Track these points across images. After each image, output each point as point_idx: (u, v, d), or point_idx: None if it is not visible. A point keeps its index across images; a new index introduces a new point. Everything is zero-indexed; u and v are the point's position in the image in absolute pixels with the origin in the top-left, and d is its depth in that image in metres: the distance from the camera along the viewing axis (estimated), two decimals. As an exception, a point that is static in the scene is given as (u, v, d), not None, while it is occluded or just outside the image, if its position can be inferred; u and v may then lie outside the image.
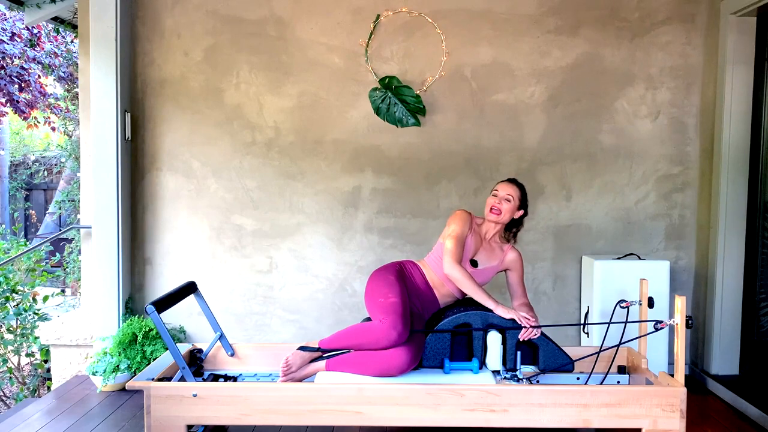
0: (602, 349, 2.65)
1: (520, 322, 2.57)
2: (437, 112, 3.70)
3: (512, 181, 2.83)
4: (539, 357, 2.63)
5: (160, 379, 2.47)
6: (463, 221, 2.75)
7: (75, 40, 6.65)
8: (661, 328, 2.46)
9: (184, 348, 2.75)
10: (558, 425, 2.34)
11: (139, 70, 3.71)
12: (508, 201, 2.75)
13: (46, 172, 8.79)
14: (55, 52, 7.22)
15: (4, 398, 4.37)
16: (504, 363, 2.64)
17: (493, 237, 2.83)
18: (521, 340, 2.58)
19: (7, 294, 4.10)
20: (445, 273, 2.67)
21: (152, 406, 2.35)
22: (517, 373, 2.60)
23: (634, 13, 3.65)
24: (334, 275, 3.79)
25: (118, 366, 3.32)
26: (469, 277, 2.62)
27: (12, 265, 4.43)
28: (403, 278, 2.72)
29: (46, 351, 4.10)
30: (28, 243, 5.27)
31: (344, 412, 2.36)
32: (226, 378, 2.79)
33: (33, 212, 8.80)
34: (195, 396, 2.35)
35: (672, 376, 2.42)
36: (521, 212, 2.81)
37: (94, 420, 3.03)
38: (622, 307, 2.66)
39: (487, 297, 2.61)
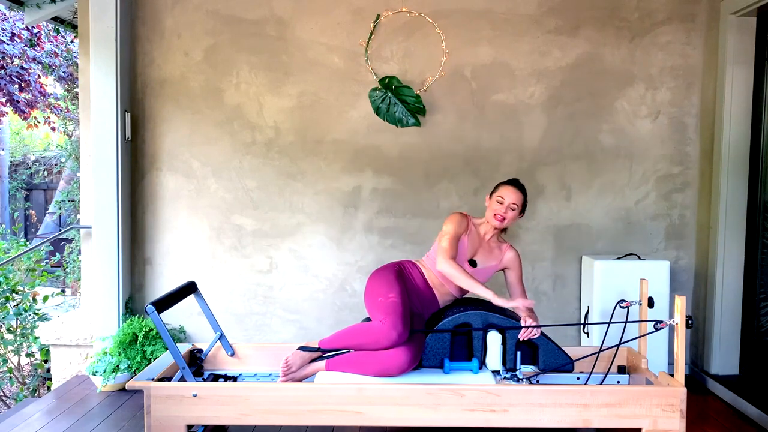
0: (602, 349, 2.65)
1: (520, 314, 2.59)
2: (437, 112, 3.70)
3: (518, 186, 2.79)
4: (539, 357, 2.63)
5: (160, 379, 2.48)
6: (457, 223, 2.76)
7: (75, 40, 6.66)
8: (661, 328, 2.46)
9: (184, 348, 2.75)
10: (558, 425, 2.34)
11: (139, 70, 3.71)
12: (513, 210, 2.74)
13: (46, 172, 8.79)
14: (55, 52, 7.22)
15: (4, 398, 4.37)
16: (504, 363, 2.64)
17: (491, 237, 2.84)
18: (521, 339, 2.58)
19: (7, 294, 4.10)
20: (438, 270, 2.67)
21: (152, 406, 2.35)
22: (517, 373, 2.60)
23: (634, 13, 3.65)
24: (334, 275, 3.79)
25: (118, 366, 3.32)
26: (462, 271, 2.61)
27: (12, 265, 4.43)
28: (402, 278, 2.73)
29: (46, 351, 4.10)
30: (28, 243, 5.27)
31: (344, 412, 2.36)
32: (226, 378, 2.79)
33: (33, 212, 8.80)
34: (195, 396, 2.35)
35: (672, 376, 2.42)
36: (521, 216, 2.82)
37: (94, 420, 3.03)
38: (622, 307, 2.66)
39: (485, 288, 2.58)
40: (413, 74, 3.67)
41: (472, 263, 2.78)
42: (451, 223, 2.75)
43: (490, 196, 2.82)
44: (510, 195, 2.76)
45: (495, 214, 2.75)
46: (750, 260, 3.53)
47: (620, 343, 2.59)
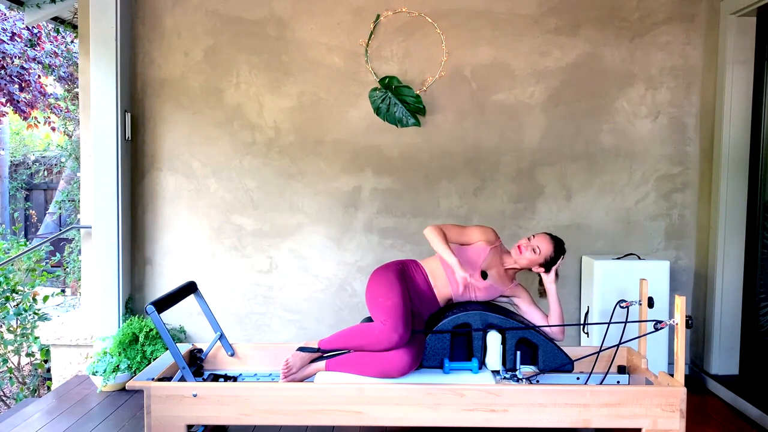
0: (602, 349, 2.65)
1: (460, 280, 2.58)
2: (437, 112, 3.70)
3: (553, 239, 2.77)
4: (539, 357, 2.63)
5: (160, 379, 2.48)
6: (482, 232, 2.78)
7: (75, 40, 6.66)
8: (661, 328, 2.46)
9: (184, 348, 2.75)
10: (558, 425, 2.34)
11: (139, 70, 3.71)
12: (534, 252, 2.72)
13: (46, 172, 8.79)
14: (55, 52, 7.22)
15: (4, 398, 4.37)
16: (504, 363, 2.64)
17: (509, 270, 2.84)
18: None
19: (7, 294, 4.10)
20: (424, 232, 2.73)
21: (152, 406, 2.35)
22: (517, 373, 2.60)
23: (634, 13, 3.65)
24: (334, 275, 3.79)
25: (118, 366, 3.32)
26: (442, 238, 2.66)
27: (12, 265, 4.43)
28: (404, 278, 2.72)
29: (46, 351, 4.10)
30: (28, 243, 5.27)
31: (344, 412, 2.36)
32: (226, 378, 2.79)
33: (33, 212, 8.81)
34: (195, 396, 2.35)
35: (672, 376, 2.42)
36: (542, 270, 2.76)
37: (94, 420, 3.03)
38: (622, 307, 2.66)
39: (451, 255, 2.61)
40: (413, 74, 3.67)
41: (484, 275, 2.77)
42: (477, 228, 2.80)
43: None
44: (540, 240, 2.74)
45: (518, 245, 2.76)
46: (750, 260, 3.53)
47: (620, 343, 2.59)
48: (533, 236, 2.77)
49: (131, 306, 3.73)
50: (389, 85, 3.64)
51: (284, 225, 3.77)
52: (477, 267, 2.74)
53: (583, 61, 3.67)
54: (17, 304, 4.12)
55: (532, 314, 2.80)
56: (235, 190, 3.76)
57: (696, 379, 3.63)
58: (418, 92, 3.65)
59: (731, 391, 3.26)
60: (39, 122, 7.85)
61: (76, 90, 6.90)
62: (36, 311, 4.15)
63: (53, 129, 7.99)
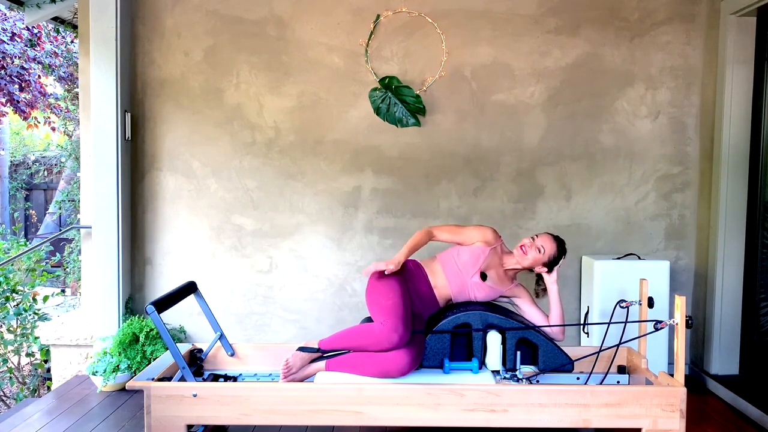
0: (602, 349, 2.65)
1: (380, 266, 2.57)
2: (437, 112, 3.70)
3: (556, 239, 2.77)
4: (539, 357, 2.63)
5: (160, 379, 2.48)
6: (481, 233, 2.76)
7: (75, 40, 6.66)
8: (661, 328, 2.46)
9: (184, 348, 2.75)
10: (558, 425, 2.34)
11: (139, 70, 3.71)
12: (539, 251, 2.71)
13: (46, 172, 8.79)
14: (55, 52, 7.22)
15: (4, 398, 4.37)
16: (504, 363, 2.64)
17: (509, 270, 2.83)
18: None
19: (7, 294, 4.11)
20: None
21: (152, 406, 2.35)
22: (517, 373, 2.60)
23: (634, 13, 3.65)
24: (334, 275, 3.79)
25: (118, 366, 3.32)
26: (414, 239, 2.68)
27: (12, 265, 4.43)
28: (404, 278, 2.72)
29: (46, 351, 4.10)
30: (28, 243, 5.27)
31: (344, 412, 2.36)
32: (226, 378, 2.79)
33: (33, 212, 8.81)
34: (195, 396, 2.35)
35: (672, 376, 2.42)
36: (545, 269, 2.75)
37: (94, 420, 3.03)
38: (622, 307, 2.66)
39: (402, 253, 2.63)
40: (413, 74, 3.67)
41: (483, 276, 2.77)
42: (478, 228, 2.78)
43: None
44: (545, 239, 2.74)
45: (521, 245, 2.74)
46: (750, 260, 3.53)
47: (620, 343, 2.59)
48: (536, 236, 2.76)
49: (131, 306, 3.73)
50: (389, 85, 3.64)
51: (284, 225, 3.77)
52: (476, 268, 2.73)
53: (583, 61, 3.67)
54: (17, 304, 4.12)
55: (532, 314, 2.80)
56: (235, 190, 3.76)
57: (696, 379, 3.63)
58: (418, 92, 3.65)
59: (731, 391, 3.26)
60: (39, 122, 7.85)
61: (76, 90, 6.90)
62: (36, 311, 4.15)
63: (53, 129, 7.99)
